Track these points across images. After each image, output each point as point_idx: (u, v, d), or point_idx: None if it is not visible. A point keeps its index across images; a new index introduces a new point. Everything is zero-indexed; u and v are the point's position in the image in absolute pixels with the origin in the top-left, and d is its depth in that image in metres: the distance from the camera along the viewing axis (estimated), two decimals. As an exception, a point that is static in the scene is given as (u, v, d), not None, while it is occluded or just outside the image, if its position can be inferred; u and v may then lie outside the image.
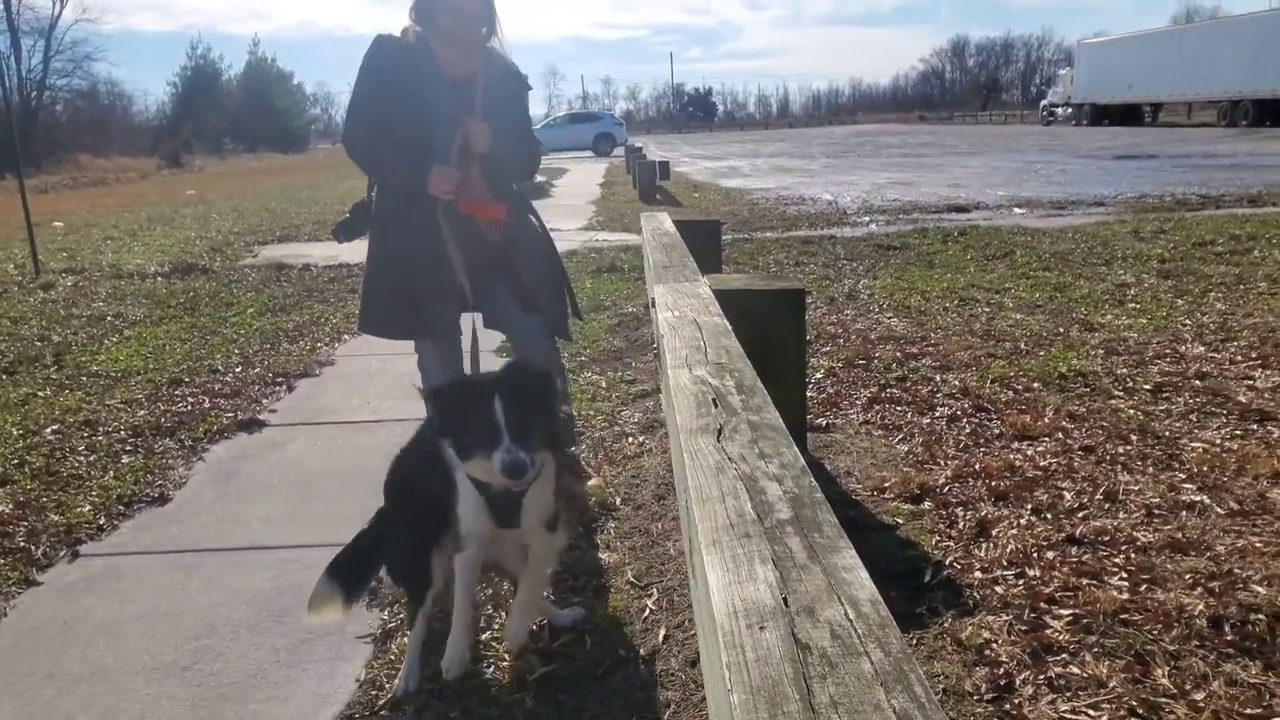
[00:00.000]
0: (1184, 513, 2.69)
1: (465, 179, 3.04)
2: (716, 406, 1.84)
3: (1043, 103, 55.60)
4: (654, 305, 3.46)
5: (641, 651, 2.38)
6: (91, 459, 4.20)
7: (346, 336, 6.51)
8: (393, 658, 2.51)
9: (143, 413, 4.82)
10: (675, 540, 2.99)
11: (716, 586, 1.12)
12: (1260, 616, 2.06)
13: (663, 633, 2.41)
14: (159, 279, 9.27)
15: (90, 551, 3.34)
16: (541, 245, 3.42)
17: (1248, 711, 1.76)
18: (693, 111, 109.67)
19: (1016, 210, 11.61)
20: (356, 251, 11.06)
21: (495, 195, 3.16)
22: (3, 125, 12.15)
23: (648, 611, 2.55)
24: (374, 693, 2.37)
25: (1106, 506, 2.77)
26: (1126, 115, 42.94)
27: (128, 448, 4.34)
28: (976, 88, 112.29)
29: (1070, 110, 47.53)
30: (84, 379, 5.57)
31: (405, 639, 2.52)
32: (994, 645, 2.06)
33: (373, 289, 3.31)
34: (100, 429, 4.60)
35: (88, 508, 3.64)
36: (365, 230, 3.34)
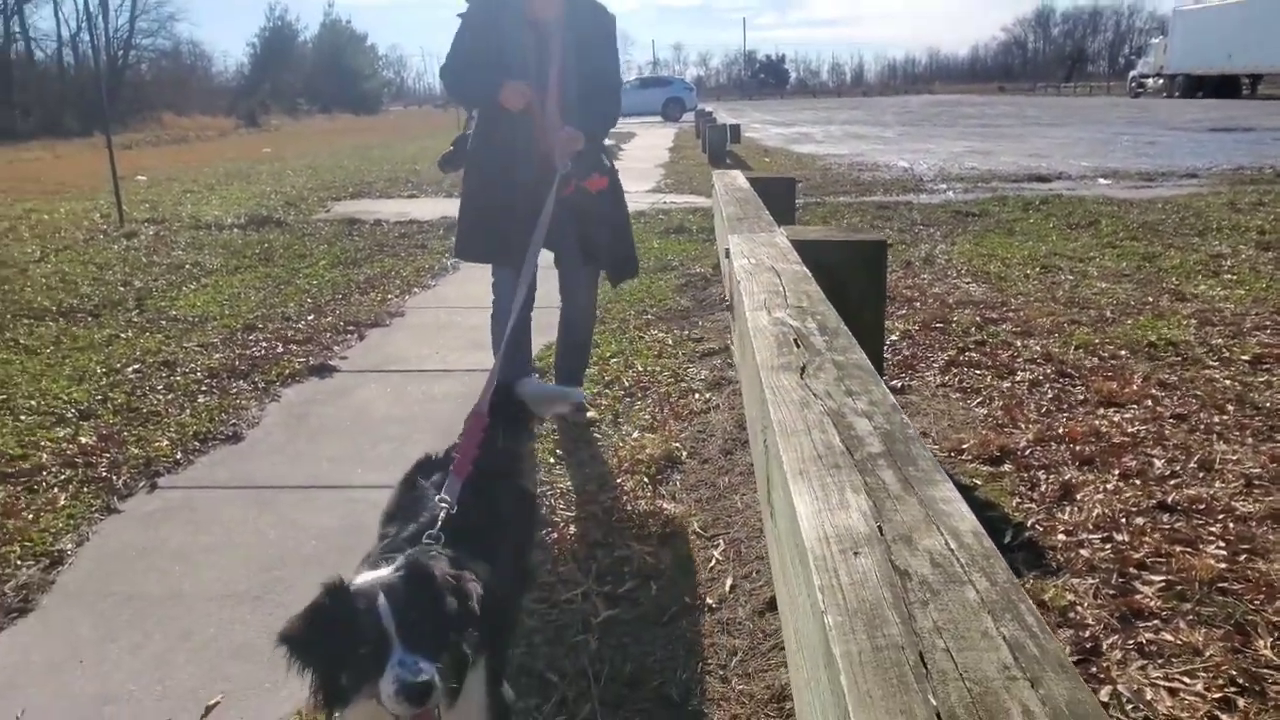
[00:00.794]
0: (1287, 484, 2.54)
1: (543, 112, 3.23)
2: (799, 346, 1.77)
3: (1131, 74, 53.19)
4: (727, 257, 3.39)
5: (708, 600, 2.34)
6: (169, 397, 4.30)
7: (416, 290, 6.56)
8: (458, 595, 2.52)
9: (218, 356, 4.93)
10: (743, 494, 2.94)
11: (805, 514, 1.06)
12: (1374, 591, 1.93)
13: (729, 582, 2.37)
14: (235, 230, 9.47)
15: (168, 484, 3.43)
16: (616, 193, 3.57)
17: (1361, 686, 1.64)
18: (764, 78, 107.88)
19: (1101, 181, 11.15)
20: (427, 208, 11.18)
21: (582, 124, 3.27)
22: (92, 84, 12.50)
23: (714, 561, 2.51)
24: (439, 628, 2.37)
25: (1201, 475, 2.63)
26: (1223, 87, 40.84)
27: (204, 388, 4.44)
28: (1061, 58, 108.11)
29: (1161, 81, 45.44)
30: (163, 323, 5.72)
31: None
32: (1079, 608, 1.97)
33: (464, 214, 3.53)
34: (178, 370, 4.71)
35: (166, 443, 3.73)
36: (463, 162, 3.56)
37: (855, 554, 0.96)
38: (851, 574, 0.92)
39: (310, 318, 5.73)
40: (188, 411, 4.10)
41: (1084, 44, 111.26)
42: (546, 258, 3.33)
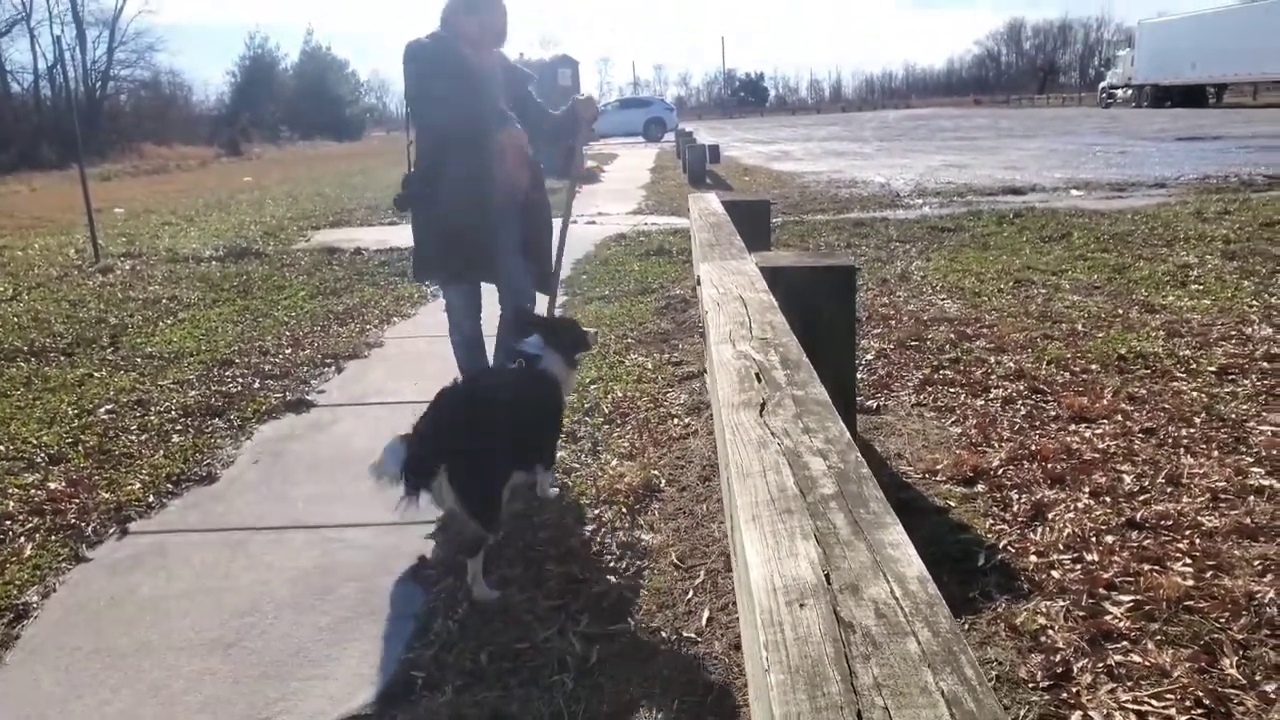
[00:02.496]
0: (1252, 497, 2.56)
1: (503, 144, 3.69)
2: (760, 381, 1.78)
3: (1101, 85, 53.86)
4: (699, 283, 3.40)
5: (686, 634, 2.33)
6: (143, 438, 4.26)
7: (396, 319, 6.55)
8: (432, 638, 2.50)
9: (194, 393, 4.89)
10: (720, 522, 2.94)
11: (755, 562, 1.07)
12: (1337, 606, 1.95)
13: (706, 615, 2.36)
14: (213, 263, 9.43)
15: (139, 529, 3.39)
16: (543, 207, 4.02)
17: (1325, 706, 1.65)
18: (744, 96, 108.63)
19: (1074, 192, 11.27)
20: (408, 235, 11.17)
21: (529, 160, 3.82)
22: (68, 115, 12.44)
23: (691, 594, 2.50)
24: (415, 674, 2.36)
25: (1169, 491, 2.65)
26: (1189, 96, 41.43)
27: (178, 427, 4.40)
28: (1033, 70, 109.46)
29: (1130, 92, 46.05)
30: (138, 360, 5.68)
31: (448, 620, 2.52)
32: (1050, 631, 1.98)
33: (422, 238, 3.86)
34: (152, 409, 4.67)
35: (137, 486, 3.70)
36: (418, 198, 3.82)
37: (801, 606, 0.96)
38: (796, 628, 0.92)
39: (288, 351, 5.70)
40: (161, 452, 4.07)
41: (1055, 56, 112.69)
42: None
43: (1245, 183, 11.07)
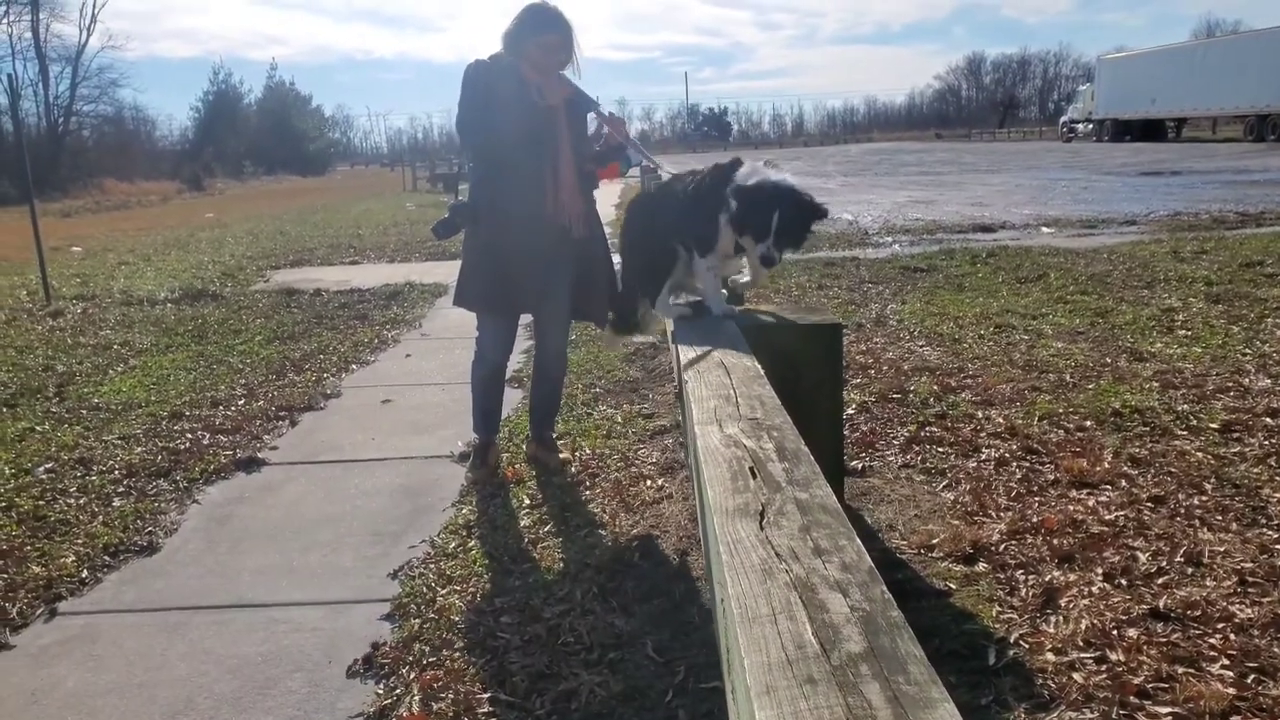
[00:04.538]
0: (1281, 580, 2.37)
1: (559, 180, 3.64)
2: (755, 478, 1.56)
3: (1062, 119, 54.99)
4: (673, 339, 3.20)
5: (666, 748, 2.08)
6: (82, 502, 3.96)
7: (355, 366, 6.28)
8: (386, 741, 2.23)
9: (140, 450, 4.59)
10: (699, 605, 2.70)
11: (774, 766, 0.84)
12: (1397, 719, 1.75)
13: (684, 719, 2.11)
14: (168, 305, 9.10)
15: (69, 609, 3.09)
16: (601, 248, 3.92)
17: None
18: (707, 131, 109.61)
19: (1045, 230, 11.27)
20: (369, 275, 10.90)
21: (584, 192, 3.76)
22: (30, 152, 12.07)
23: (670, 695, 2.25)
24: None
25: (1190, 572, 2.45)
26: (1148, 131, 42.38)
27: (120, 489, 4.10)
28: (993, 105, 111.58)
29: (1091, 126, 47.01)
30: (84, 412, 5.36)
31: (411, 702, 2.26)
32: (1081, 752, 1.76)
33: (469, 265, 3.79)
34: (94, 468, 4.37)
35: (71, 558, 3.40)
36: (462, 227, 3.78)
37: None
38: None
39: (241, 402, 5.41)
40: (100, 519, 3.77)
41: (1015, 91, 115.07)
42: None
43: (1217, 220, 11.14)
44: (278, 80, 73.29)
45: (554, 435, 4.26)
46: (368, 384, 5.83)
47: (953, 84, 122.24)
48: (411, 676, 2.51)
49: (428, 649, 2.64)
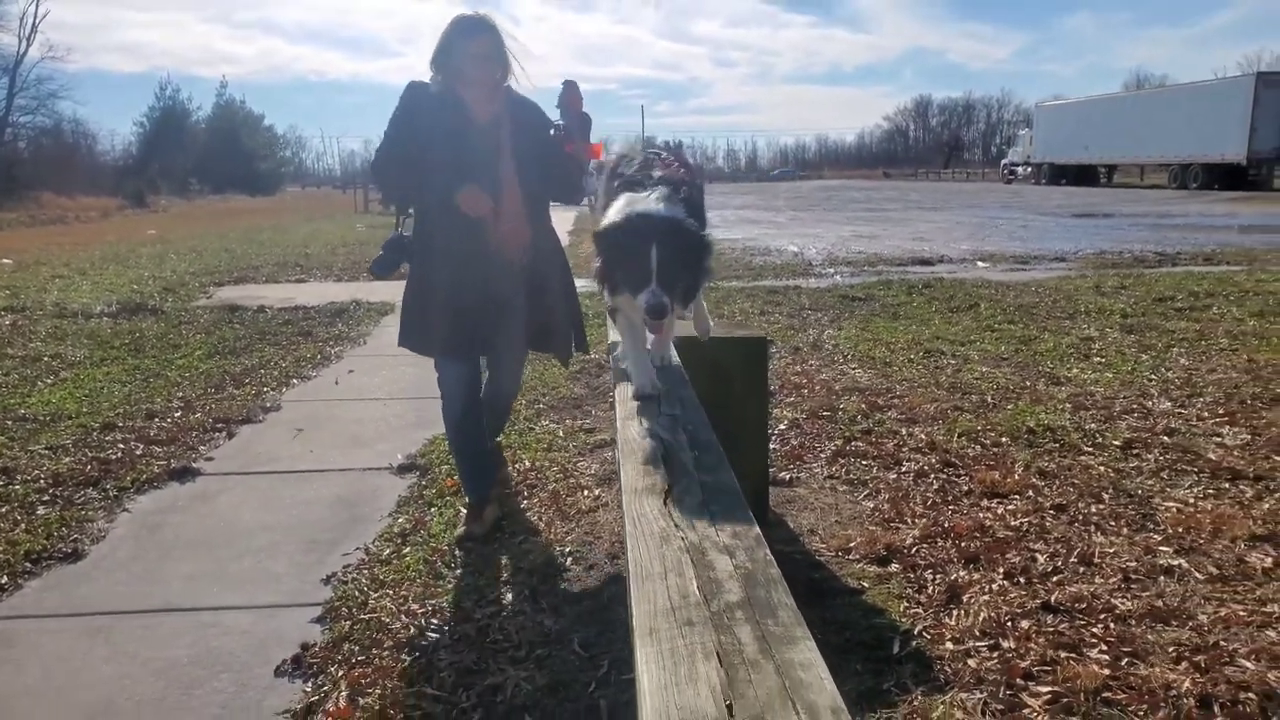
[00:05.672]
0: (1162, 578, 2.54)
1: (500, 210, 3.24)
2: (666, 465, 1.67)
3: (1003, 161, 56.77)
4: (614, 356, 3.30)
5: (585, 733, 2.16)
6: (3, 510, 3.90)
7: (296, 381, 6.25)
8: (314, 735, 2.27)
9: (68, 460, 4.53)
10: (625, 605, 2.79)
11: (651, 688, 0.94)
12: (1251, 695, 1.91)
13: (607, 711, 2.19)
14: (104, 319, 8.94)
15: (-12, 613, 3.05)
16: (560, 275, 3.58)
17: (1249, 810, 1.59)
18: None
19: (980, 264, 11.67)
20: (314, 293, 10.81)
21: (531, 220, 3.36)
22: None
23: (594, 687, 2.33)
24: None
25: (1082, 570, 2.62)
26: (1083, 175, 44.00)
27: (45, 498, 4.04)
28: (939, 146, 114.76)
29: (1030, 169, 48.63)
30: (9, 423, 5.26)
31: (338, 698, 2.29)
32: (968, 728, 1.88)
33: (412, 309, 3.44)
34: (18, 477, 4.30)
35: (-9, 565, 3.35)
36: (401, 264, 3.50)
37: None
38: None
39: (177, 414, 5.36)
40: (22, 526, 3.71)
41: (960, 133, 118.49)
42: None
43: (1138, 259, 11.64)
44: (229, 98, 72.38)
45: (498, 444, 4.05)
46: (308, 398, 5.82)
47: (901, 125, 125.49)
48: (340, 674, 2.55)
49: (357, 649, 2.68)
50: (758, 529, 1.32)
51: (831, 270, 11.49)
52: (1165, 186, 37.34)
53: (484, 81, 3.20)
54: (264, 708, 2.45)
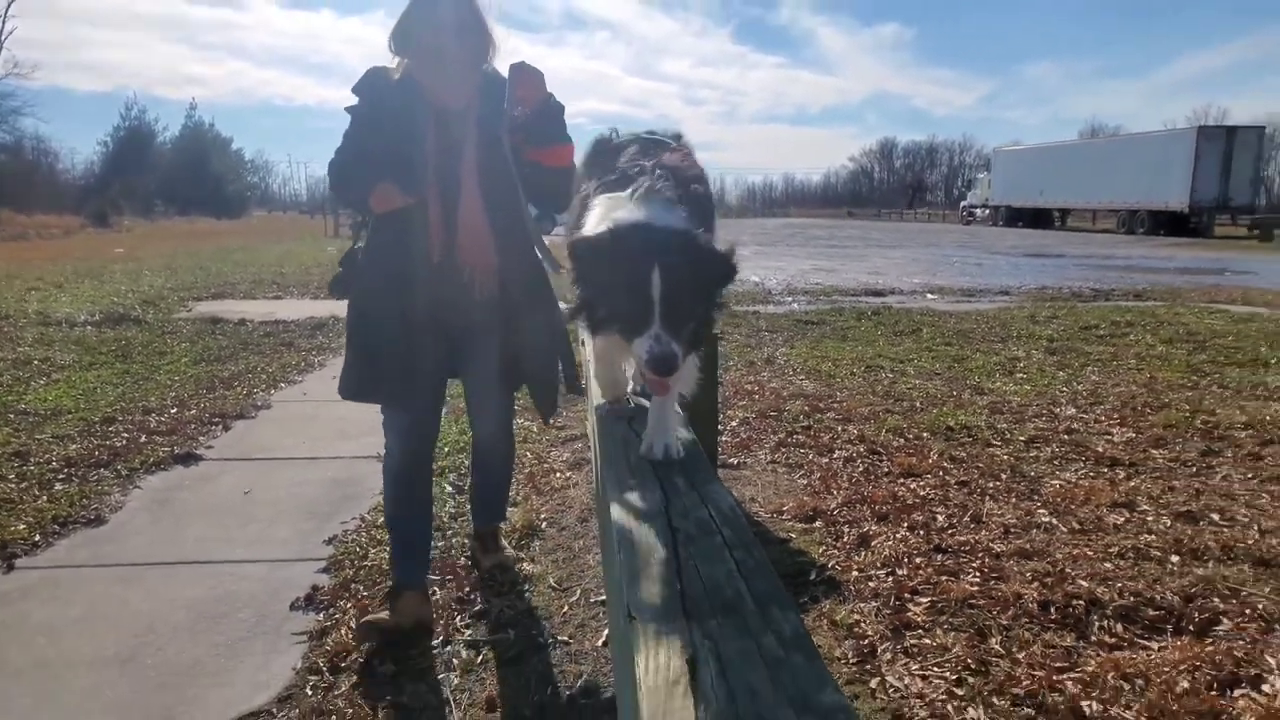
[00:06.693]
0: (1034, 531, 3.09)
1: (457, 228, 2.65)
2: (630, 421, 2.17)
3: (963, 203, 58.42)
4: (587, 359, 3.81)
5: (560, 637, 2.64)
6: (23, 485, 4.27)
7: (283, 384, 6.66)
8: (329, 648, 2.71)
9: (75, 446, 4.91)
10: (595, 554, 3.27)
11: (612, 492, 1.45)
12: (1080, 601, 2.44)
13: (578, 620, 2.67)
14: (88, 327, 9.25)
15: (26, 564, 3.45)
16: (541, 306, 2.90)
17: (1058, 664, 2.11)
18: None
19: (929, 295, 12.36)
20: (293, 309, 11.16)
21: (500, 237, 2.72)
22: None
23: (567, 608, 2.81)
24: (311, 677, 2.56)
25: (971, 526, 3.16)
26: (1038, 218, 45.53)
27: (61, 476, 4.42)
28: (903, 187, 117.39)
29: (988, 211, 50.16)
30: (11, 416, 5.60)
31: (342, 633, 2.74)
32: (862, 625, 2.40)
33: (350, 344, 2.88)
34: (31, 460, 4.66)
35: (22, 527, 3.74)
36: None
37: (647, 522, 1.35)
38: (643, 534, 1.30)
39: (174, 410, 5.75)
40: (45, 498, 4.10)
41: (923, 175, 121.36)
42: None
43: (1075, 294, 12.42)
44: (197, 120, 72.36)
45: (499, 528, 3.33)
46: (295, 399, 6.24)
47: (866, 166, 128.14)
48: (349, 606, 2.99)
49: (362, 588, 3.13)
50: (693, 435, 1.83)
51: (789, 298, 12.11)
52: (1114, 231, 38.82)
53: (449, 61, 2.60)
54: (283, 630, 2.89)
